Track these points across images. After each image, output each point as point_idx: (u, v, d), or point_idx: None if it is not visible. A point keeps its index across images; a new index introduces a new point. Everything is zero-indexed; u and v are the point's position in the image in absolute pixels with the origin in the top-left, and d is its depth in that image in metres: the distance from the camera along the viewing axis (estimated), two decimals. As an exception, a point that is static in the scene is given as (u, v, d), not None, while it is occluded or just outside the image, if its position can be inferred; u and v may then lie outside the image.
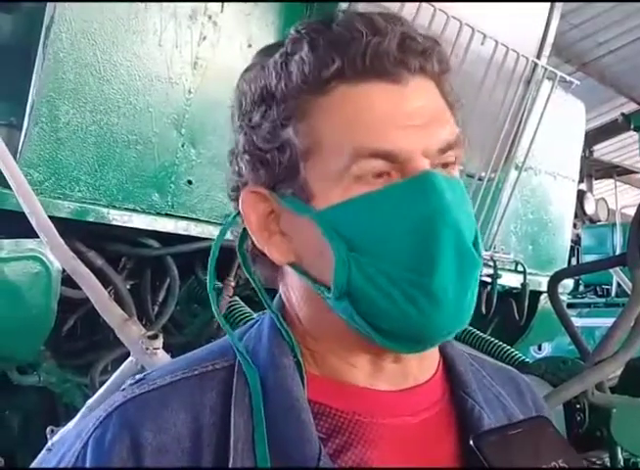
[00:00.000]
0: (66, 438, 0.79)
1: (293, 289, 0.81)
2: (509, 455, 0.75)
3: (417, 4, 2.45)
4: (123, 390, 0.80)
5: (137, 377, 0.82)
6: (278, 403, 0.75)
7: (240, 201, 0.79)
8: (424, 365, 0.83)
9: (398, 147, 0.72)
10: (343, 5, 2.47)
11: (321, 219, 0.73)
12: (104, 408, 0.77)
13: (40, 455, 1.76)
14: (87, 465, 0.73)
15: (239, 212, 0.80)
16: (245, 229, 0.80)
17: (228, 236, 2.51)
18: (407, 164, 0.72)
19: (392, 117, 0.72)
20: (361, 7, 2.48)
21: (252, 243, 0.80)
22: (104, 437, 0.73)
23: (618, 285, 7.68)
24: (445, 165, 0.75)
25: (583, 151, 4.24)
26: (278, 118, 0.74)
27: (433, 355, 0.84)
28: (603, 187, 12.43)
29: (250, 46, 2.41)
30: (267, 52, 0.79)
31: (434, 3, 2.47)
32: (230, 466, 0.72)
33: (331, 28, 0.74)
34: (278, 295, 0.84)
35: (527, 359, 3.18)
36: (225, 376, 0.78)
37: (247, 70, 0.80)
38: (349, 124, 0.72)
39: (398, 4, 2.45)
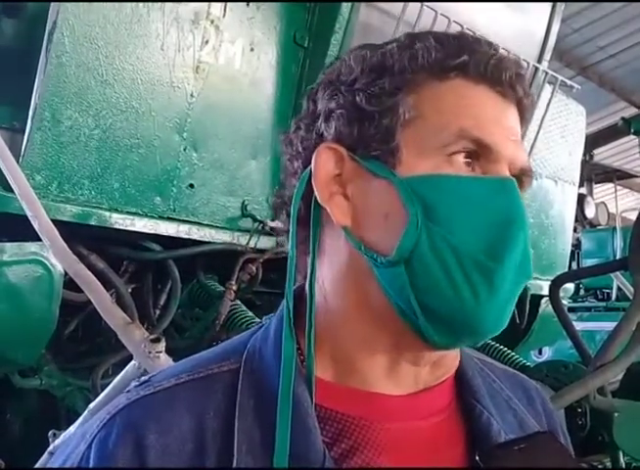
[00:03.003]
0: (70, 439, 0.79)
1: (332, 260, 0.81)
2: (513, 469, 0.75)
3: (418, 8, 2.46)
4: (128, 391, 0.80)
5: (142, 379, 0.82)
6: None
7: (314, 155, 0.81)
8: (436, 373, 0.83)
9: (497, 147, 0.77)
10: (345, 8, 2.47)
11: (404, 184, 0.76)
12: (108, 410, 0.77)
13: (42, 459, 1.76)
14: (91, 466, 0.73)
15: (311, 172, 0.81)
16: (307, 182, 0.82)
17: (229, 240, 2.49)
18: (494, 164, 0.78)
19: (497, 122, 0.79)
20: (362, 6, 2.49)
21: (303, 209, 0.82)
22: (108, 438, 0.73)
23: (619, 289, 7.68)
24: None
25: (583, 155, 4.24)
26: (389, 86, 0.79)
27: (448, 365, 0.84)
28: (603, 191, 12.44)
29: (252, 50, 2.42)
30: (379, 44, 0.84)
31: (435, 7, 2.47)
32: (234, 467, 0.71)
33: (457, 35, 0.82)
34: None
35: (528, 363, 3.18)
36: (230, 378, 0.78)
37: (354, 50, 0.85)
38: (460, 110, 0.78)
39: (400, 8, 2.46)
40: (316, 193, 0.80)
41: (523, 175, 0.81)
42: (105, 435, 0.74)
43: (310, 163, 0.81)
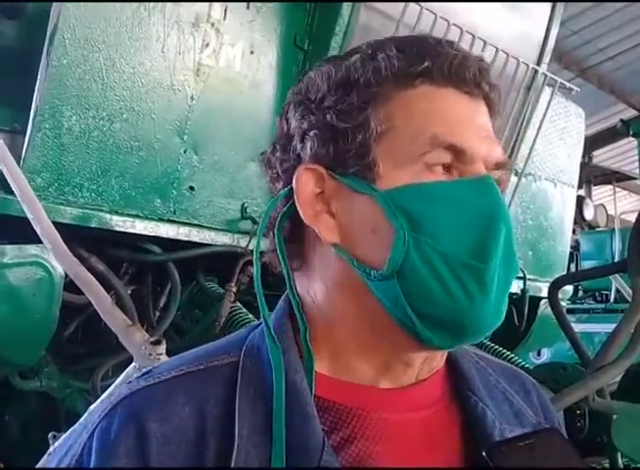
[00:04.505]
0: (73, 430, 0.81)
1: (324, 276, 0.82)
2: (520, 465, 0.76)
3: (417, 11, 2.46)
4: (129, 383, 0.82)
5: (143, 370, 0.84)
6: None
7: (294, 177, 0.81)
8: (430, 366, 0.84)
9: (470, 148, 0.78)
10: (345, 10, 2.48)
11: (385, 198, 0.76)
12: (110, 401, 0.79)
13: (42, 461, 1.76)
14: (93, 455, 0.74)
15: (290, 189, 0.82)
16: (290, 207, 0.82)
17: (229, 242, 2.49)
18: (469, 165, 0.78)
19: (467, 123, 0.79)
20: (362, 8, 2.49)
21: (286, 229, 0.83)
22: (110, 428, 0.75)
23: (617, 291, 7.69)
24: None
25: (582, 157, 4.24)
26: (357, 102, 0.79)
27: (438, 360, 0.85)
28: (602, 193, 12.45)
29: (252, 53, 2.42)
30: (341, 56, 0.85)
31: (435, 10, 2.48)
32: (234, 455, 0.73)
33: (418, 40, 0.82)
34: (285, 295, 0.86)
35: (527, 365, 3.19)
36: (230, 371, 0.80)
37: (318, 67, 0.85)
38: (430, 116, 0.78)
39: (399, 10, 2.46)
40: (301, 214, 0.81)
41: (499, 169, 0.82)
42: (106, 424, 0.76)
43: (291, 184, 0.82)
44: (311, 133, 0.81)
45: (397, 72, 0.79)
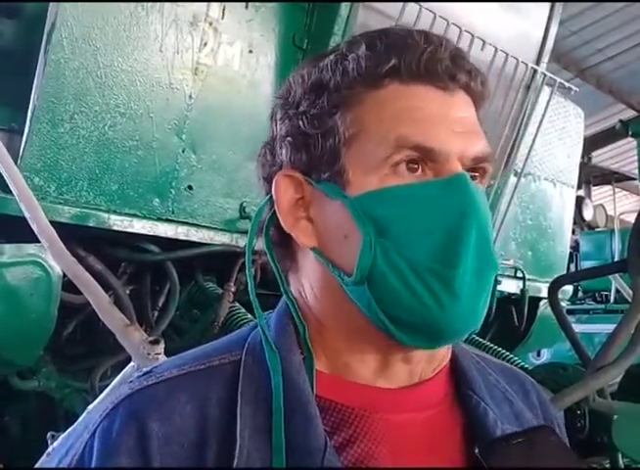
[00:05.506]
0: (74, 430, 0.80)
1: (309, 278, 0.82)
2: (513, 464, 0.75)
3: (417, 10, 2.46)
4: (130, 382, 0.81)
5: (144, 370, 0.83)
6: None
7: (273, 184, 0.81)
8: (432, 366, 0.84)
9: (440, 147, 0.75)
10: (343, 10, 2.47)
11: (354, 204, 0.76)
12: (111, 400, 0.79)
13: (40, 461, 1.76)
14: (94, 455, 0.74)
15: (271, 197, 0.82)
16: (273, 214, 0.83)
17: (227, 241, 2.48)
18: (443, 164, 0.76)
19: (439, 120, 0.76)
20: (361, 8, 2.49)
21: (275, 232, 0.83)
22: (111, 427, 0.75)
23: (617, 291, 7.68)
24: (474, 177, 0.79)
25: (582, 157, 4.24)
26: (327, 106, 0.78)
27: (441, 358, 0.85)
28: (601, 193, 12.45)
29: (250, 52, 2.41)
30: (320, 56, 0.83)
31: (433, 9, 2.47)
32: (236, 455, 0.72)
33: (388, 35, 0.79)
34: (282, 299, 0.86)
35: (527, 365, 3.18)
36: (232, 370, 0.79)
37: (298, 69, 0.84)
38: (398, 117, 0.76)
39: (398, 9, 2.46)
40: (281, 221, 0.81)
41: (480, 163, 0.79)
42: (108, 424, 0.75)
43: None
44: (287, 139, 0.81)
45: (365, 74, 0.77)
